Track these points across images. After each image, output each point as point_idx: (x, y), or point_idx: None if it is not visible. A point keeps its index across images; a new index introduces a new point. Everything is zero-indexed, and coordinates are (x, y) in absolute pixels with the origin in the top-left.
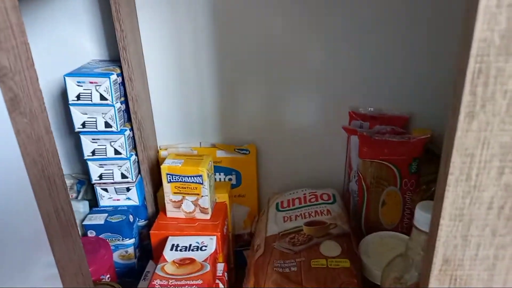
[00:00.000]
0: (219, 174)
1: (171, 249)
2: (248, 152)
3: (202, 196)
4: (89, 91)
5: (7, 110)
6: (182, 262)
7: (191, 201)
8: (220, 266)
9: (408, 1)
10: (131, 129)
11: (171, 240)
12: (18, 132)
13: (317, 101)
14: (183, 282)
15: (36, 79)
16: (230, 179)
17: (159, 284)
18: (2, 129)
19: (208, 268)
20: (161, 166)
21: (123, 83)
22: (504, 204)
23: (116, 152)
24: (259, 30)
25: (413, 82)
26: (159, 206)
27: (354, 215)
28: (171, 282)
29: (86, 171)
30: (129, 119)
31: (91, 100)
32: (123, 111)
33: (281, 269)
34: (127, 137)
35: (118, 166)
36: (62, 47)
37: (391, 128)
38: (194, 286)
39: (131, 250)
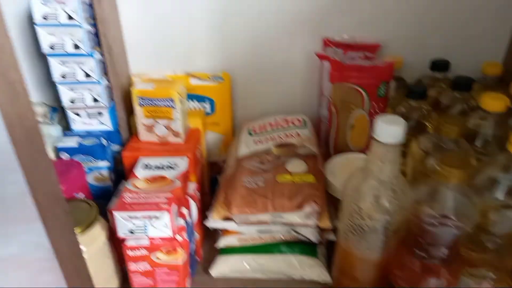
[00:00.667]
0: (193, 102)
1: (143, 168)
2: (222, 80)
3: (174, 120)
4: (56, 11)
5: None
6: (153, 179)
7: (163, 125)
8: (192, 185)
9: None
10: (101, 53)
11: (143, 160)
12: None
13: (290, 29)
14: (152, 195)
15: None
16: (204, 107)
17: (129, 197)
18: None
19: (179, 183)
20: (132, 89)
21: (91, 4)
22: None
23: (87, 75)
24: None
25: (386, 10)
26: (133, 131)
27: (325, 139)
28: (140, 195)
29: (57, 98)
30: (98, 43)
31: (58, 20)
32: (92, 33)
33: (249, 184)
34: (97, 61)
35: (89, 90)
36: None
37: (363, 54)
38: (163, 198)
39: (105, 172)
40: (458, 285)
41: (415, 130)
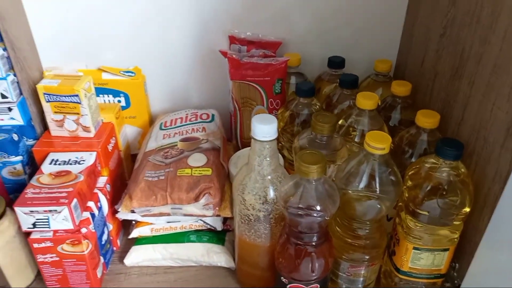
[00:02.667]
0: (108, 96)
1: (50, 163)
2: (133, 74)
3: (82, 115)
4: None
5: None
6: (57, 174)
7: (73, 120)
8: (103, 179)
9: None
10: (5, 49)
11: (51, 156)
12: None
13: (198, 25)
14: (54, 190)
15: None
16: (119, 101)
17: (31, 193)
18: None
19: (82, 178)
20: (37, 86)
21: None
22: None
23: None
24: None
25: (287, 9)
26: (48, 126)
27: (234, 133)
28: (43, 191)
29: None
30: (1, 39)
31: None
32: None
33: (150, 178)
34: (1, 56)
35: None
36: None
37: (263, 52)
38: (64, 193)
39: (19, 167)
40: (334, 268)
41: (304, 125)
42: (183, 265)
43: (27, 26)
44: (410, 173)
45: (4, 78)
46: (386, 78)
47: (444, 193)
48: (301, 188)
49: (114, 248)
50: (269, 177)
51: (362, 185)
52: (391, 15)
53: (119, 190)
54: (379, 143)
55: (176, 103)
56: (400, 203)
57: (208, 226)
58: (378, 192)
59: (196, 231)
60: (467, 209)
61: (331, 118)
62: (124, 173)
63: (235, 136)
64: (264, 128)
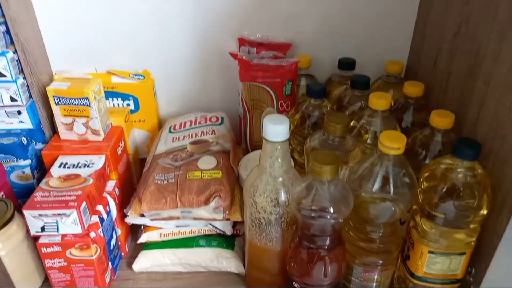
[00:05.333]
0: (117, 100)
1: (59, 166)
2: (142, 78)
3: (92, 118)
4: None
5: None
6: (66, 177)
7: (82, 123)
8: (111, 183)
9: None
10: (15, 52)
11: (60, 159)
12: None
13: (207, 27)
14: (63, 193)
15: None
16: (128, 104)
17: (40, 196)
18: None
19: (91, 181)
20: (47, 88)
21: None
22: None
23: (1, 74)
24: None
25: (297, 10)
26: (56, 129)
27: (243, 136)
28: (52, 194)
29: None
30: (12, 42)
31: None
32: (3, 32)
33: (160, 181)
34: (10, 59)
35: (6, 89)
36: None
37: (273, 53)
38: (73, 196)
39: (27, 171)
40: (347, 272)
41: (315, 127)
42: (192, 271)
43: (37, 29)
44: (425, 174)
45: (14, 81)
46: (397, 79)
47: (460, 194)
48: (314, 189)
49: (122, 254)
50: (281, 178)
51: (376, 187)
52: (402, 15)
53: (127, 194)
54: (394, 143)
55: (185, 106)
56: (415, 206)
57: (218, 231)
58: (392, 194)
59: (205, 235)
60: (485, 212)
61: (344, 118)
62: (132, 177)
63: (244, 139)
64: (276, 128)
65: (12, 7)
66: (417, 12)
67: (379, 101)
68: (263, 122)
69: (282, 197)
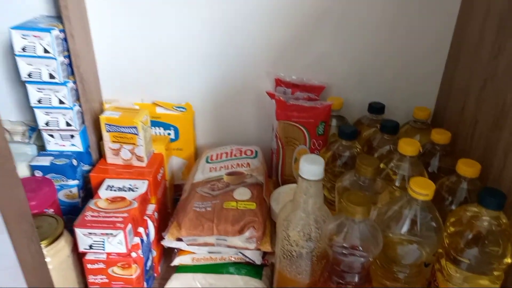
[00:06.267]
0: (159, 129)
1: (106, 189)
2: (184, 110)
3: (138, 145)
4: (33, 44)
5: None
6: (114, 200)
7: (128, 150)
8: (151, 207)
9: None
10: (75, 82)
11: (107, 182)
12: None
13: (247, 67)
14: (111, 215)
15: None
16: (169, 134)
17: (90, 216)
18: None
19: (135, 205)
20: (100, 116)
21: (66, 39)
22: None
23: (61, 102)
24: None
25: (331, 55)
26: (103, 154)
27: (275, 170)
28: (101, 214)
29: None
30: (72, 73)
31: (35, 52)
32: (66, 64)
33: (198, 208)
34: (70, 88)
35: (63, 115)
36: (11, 1)
37: (307, 95)
38: (120, 218)
39: (75, 190)
40: None
41: (346, 169)
42: None
43: (94, 62)
44: (451, 220)
45: (71, 108)
46: (425, 125)
47: (485, 242)
48: (346, 227)
49: (155, 274)
50: (314, 215)
51: (403, 229)
52: (430, 63)
53: (163, 218)
54: (423, 189)
55: (220, 137)
56: (440, 250)
57: (247, 259)
58: (419, 237)
59: (235, 263)
60: (509, 260)
61: (375, 161)
62: (167, 202)
63: (275, 173)
64: (312, 168)
65: (77, 43)
66: (446, 61)
67: (408, 147)
68: (300, 161)
69: (314, 232)
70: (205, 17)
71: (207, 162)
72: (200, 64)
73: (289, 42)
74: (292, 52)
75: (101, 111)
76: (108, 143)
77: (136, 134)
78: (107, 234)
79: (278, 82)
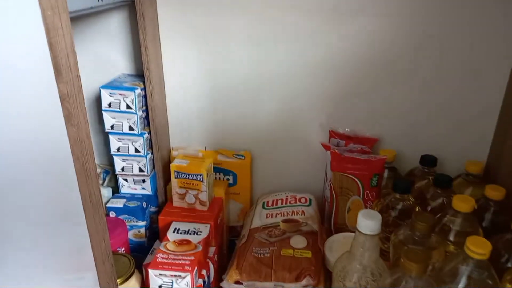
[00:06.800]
0: (219, 174)
1: (174, 232)
2: (243, 158)
3: (202, 191)
4: (118, 101)
5: (64, 123)
6: (180, 242)
7: (193, 195)
8: (212, 249)
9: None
10: (149, 133)
11: (174, 225)
12: (69, 137)
13: (304, 120)
14: (179, 257)
15: (83, 100)
16: (227, 179)
17: (161, 257)
18: (59, 135)
19: (200, 248)
20: (171, 165)
21: (145, 96)
22: None
23: (136, 150)
24: (254, 60)
25: (383, 109)
26: (168, 197)
27: (327, 218)
28: (170, 256)
29: (111, 163)
30: (148, 124)
31: (119, 108)
32: (144, 117)
33: (257, 254)
34: (146, 139)
35: (137, 162)
36: (99, 61)
37: (361, 147)
38: (187, 260)
39: (142, 230)
40: None
41: (399, 220)
42: None
43: (166, 114)
44: (508, 277)
45: (145, 156)
46: (477, 178)
47: None
48: (403, 282)
49: None
50: (370, 267)
51: (459, 286)
52: (483, 118)
53: (220, 259)
54: (480, 249)
55: (275, 184)
56: None
57: None
58: None
59: None
60: None
61: (430, 219)
62: (224, 244)
63: (328, 221)
64: (370, 223)
65: (155, 99)
66: (498, 116)
67: (463, 204)
68: (358, 216)
69: (370, 285)
70: (263, 72)
71: (264, 208)
72: (256, 116)
73: (343, 95)
74: (346, 105)
75: (169, 157)
76: (176, 188)
77: (201, 181)
78: (176, 276)
79: (332, 134)
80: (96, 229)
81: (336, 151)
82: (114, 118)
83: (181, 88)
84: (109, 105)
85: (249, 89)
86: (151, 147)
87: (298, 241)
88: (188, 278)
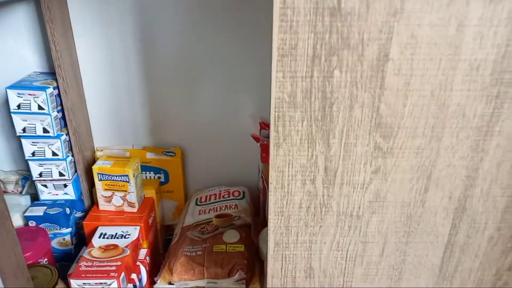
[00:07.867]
0: (149, 173)
1: (99, 237)
2: (174, 154)
3: (129, 192)
4: (28, 102)
5: None
6: (106, 248)
7: (120, 197)
8: (143, 251)
9: None
10: (67, 134)
11: (100, 230)
12: None
13: (232, 111)
14: (104, 264)
15: None
16: (159, 177)
17: (84, 266)
18: None
19: (128, 252)
20: (93, 167)
21: (59, 94)
22: (309, 204)
23: (54, 153)
24: (180, 48)
25: None
26: (95, 200)
27: (262, 209)
28: (95, 264)
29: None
30: (65, 125)
31: (30, 109)
32: (59, 118)
33: (188, 253)
34: (63, 141)
35: (56, 166)
36: (6, 59)
37: None
38: (113, 266)
39: (68, 238)
40: None
41: None
42: None
43: (86, 114)
44: None
45: (64, 159)
46: None
47: None
48: None
49: None
50: None
51: None
52: None
53: (155, 260)
54: None
55: (209, 179)
56: None
57: None
58: None
59: None
60: None
61: None
62: (158, 243)
63: (263, 212)
64: None
65: (70, 98)
66: None
67: None
68: None
69: None
70: (191, 64)
71: (197, 204)
72: (186, 108)
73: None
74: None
75: (93, 158)
76: (101, 191)
77: (127, 181)
78: (101, 283)
79: (262, 126)
80: (2, 242)
81: (266, 142)
82: (26, 120)
83: (100, 84)
84: (18, 106)
85: (177, 81)
86: (71, 149)
87: (231, 236)
88: (115, 284)
